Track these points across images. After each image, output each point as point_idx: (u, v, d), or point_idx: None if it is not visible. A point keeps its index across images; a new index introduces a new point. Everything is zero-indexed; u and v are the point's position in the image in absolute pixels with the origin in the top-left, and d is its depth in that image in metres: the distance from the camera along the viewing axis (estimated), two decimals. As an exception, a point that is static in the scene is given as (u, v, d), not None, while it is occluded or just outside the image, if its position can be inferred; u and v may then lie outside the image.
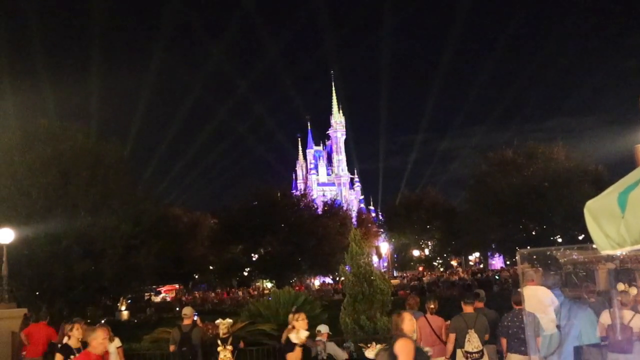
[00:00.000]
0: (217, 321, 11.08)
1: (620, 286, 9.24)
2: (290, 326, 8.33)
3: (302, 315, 8.27)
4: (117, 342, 11.04)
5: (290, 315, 8.43)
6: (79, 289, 27.99)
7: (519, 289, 9.19)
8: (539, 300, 9.35)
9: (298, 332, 7.84)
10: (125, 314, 38.77)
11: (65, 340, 9.01)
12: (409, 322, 6.34)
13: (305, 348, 7.87)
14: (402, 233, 73.90)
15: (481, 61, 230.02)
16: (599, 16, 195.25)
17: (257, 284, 66.18)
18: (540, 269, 10.10)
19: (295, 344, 7.80)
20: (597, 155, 50.38)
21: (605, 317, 9.01)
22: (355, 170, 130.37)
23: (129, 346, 13.88)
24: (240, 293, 56.26)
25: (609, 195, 3.94)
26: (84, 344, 8.83)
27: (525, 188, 47.01)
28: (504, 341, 9.18)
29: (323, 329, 10.37)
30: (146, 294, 54.56)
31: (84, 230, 27.54)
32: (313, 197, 72.55)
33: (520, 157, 50.79)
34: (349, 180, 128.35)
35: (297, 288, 43.05)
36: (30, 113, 32.56)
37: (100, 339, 6.77)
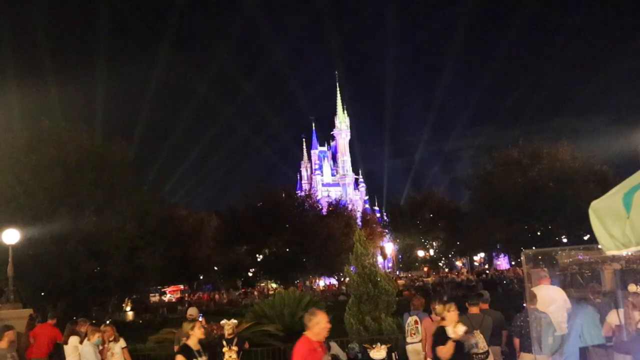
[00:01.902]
0: (222, 322, 11.09)
1: (632, 287, 9.19)
2: (439, 318, 7.92)
3: (453, 306, 7.64)
4: (122, 342, 11.08)
5: (440, 307, 7.98)
6: (85, 290, 28.08)
7: (531, 289, 9.16)
8: (552, 300, 9.33)
9: (455, 327, 7.27)
10: (130, 315, 38.81)
11: (183, 340, 8.15)
12: None
13: (459, 343, 7.32)
14: (406, 233, 73.75)
15: (486, 61, 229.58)
16: (604, 16, 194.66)
17: (262, 284, 66.21)
18: (545, 268, 10.08)
19: (449, 338, 7.22)
20: (602, 156, 50.17)
21: (612, 318, 8.97)
22: (360, 171, 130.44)
23: (134, 347, 13.92)
24: (256, 293, 56.50)
25: (614, 196, 3.93)
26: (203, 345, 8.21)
27: (530, 188, 46.86)
28: (517, 341, 9.14)
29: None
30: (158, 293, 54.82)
31: (89, 231, 27.61)
32: (318, 198, 72.46)
33: (525, 157, 50.60)
34: (354, 180, 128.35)
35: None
36: (36, 114, 32.66)
37: (324, 324, 6.00)
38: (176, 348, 10.96)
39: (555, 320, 8.92)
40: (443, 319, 7.63)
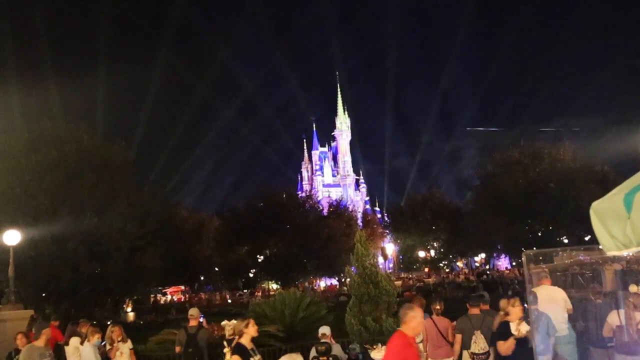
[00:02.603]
0: (223, 322, 11.09)
1: (633, 288, 9.17)
2: (502, 312, 7.78)
3: (518, 301, 7.53)
4: (129, 343, 11.07)
5: (504, 301, 7.83)
6: (85, 290, 28.08)
7: (532, 289, 9.15)
8: (553, 300, 9.31)
9: (519, 325, 7.15)
10: (131, 315, 38.79)
11: (236, 338, 7.55)
12: None
13: (523, 339, 7.27)
14: (407, 234, 73.74)
15: (487, 62, 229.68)
16: (606, 16, 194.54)
17: (263, 285, 66.21)
18: (547, 269, 10.07)
19: (511, 334, 7.10)
20: (603, 156, 50.19)
21: (613, 318, 8.96)
22: (361, 172, 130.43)
23: (135, 348, 13.89)
24: (259, 294, 56.51)
25: (615, 196, 3.93)
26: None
27: (531, 189, 46.88)
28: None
29: (327, 330, 10.36)
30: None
31: (89, 232, 27.61)
32: (318, 198, 72.50)
33: (526, 157, 50.65)
34: (354, 181, 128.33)
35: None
36: (36, 115, 32.70)
37: (420, 318, 5.74)
38: (178, 349, 10.96)
39: (556, 321, 8.90)
40: (507, 314, 7.51)
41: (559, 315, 9.13)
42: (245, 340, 7.21)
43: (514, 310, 7.42)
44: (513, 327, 7.14)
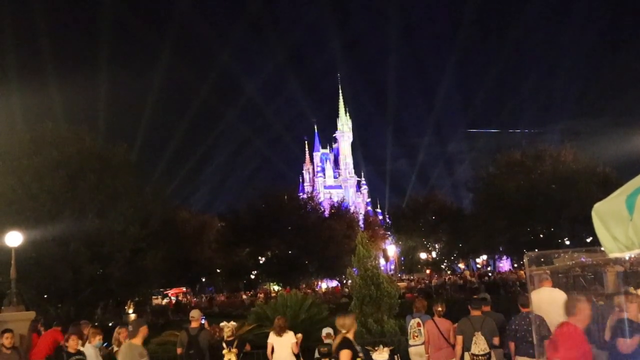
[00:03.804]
0: (222, 324, 11.07)
1: (632, 290, 9.17)
2: (617, 309, 7.49)
3: (636, 297, 7.32)
4: None
5: (621, 296, 7.59)
6: (87, 292, 28.06)
7: (531, 292, 9.13)
8: (554, 302, 9.26)
9: None
10: (132, 317, 38.80)
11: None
12: None
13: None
14: (409, 236, 73.67)
15: (488, 64, 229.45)
16: (607, 18, 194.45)
17: (265, 286, 66.14)
18: (548, 271, 10.03)
19: (635, 331, 6.83)
20: (605, 158, 50.16)
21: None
22: (362, 173, 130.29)
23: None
24: (262, 295, 56.32)
25: (617, 198, 3.92)
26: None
27: (533, 190, 46.89)
28: (512, 345, 9.09)
29: (332, 331, 10.34)
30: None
31: (91, 233, 27.60)
32: (320, 200, 72.46)
33: (528, 159, 50.67)
34: (356, 182, 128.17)
35: (287, 290, 42.22)
36: (38, 116, 32.74)
37: (588, 310, 5.74)
38: (179, 350, 10.94)
39: (556, 323, 8.87)
40: (621, 310, 7.28)
41: (559, 317, 9.09)
42: (352, 335, 7.14)
43: (632, 307, 7.15)
44: None
